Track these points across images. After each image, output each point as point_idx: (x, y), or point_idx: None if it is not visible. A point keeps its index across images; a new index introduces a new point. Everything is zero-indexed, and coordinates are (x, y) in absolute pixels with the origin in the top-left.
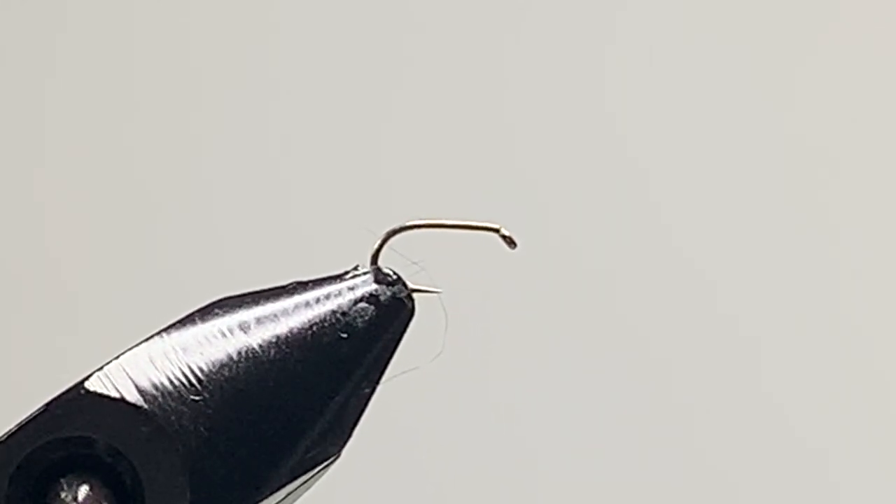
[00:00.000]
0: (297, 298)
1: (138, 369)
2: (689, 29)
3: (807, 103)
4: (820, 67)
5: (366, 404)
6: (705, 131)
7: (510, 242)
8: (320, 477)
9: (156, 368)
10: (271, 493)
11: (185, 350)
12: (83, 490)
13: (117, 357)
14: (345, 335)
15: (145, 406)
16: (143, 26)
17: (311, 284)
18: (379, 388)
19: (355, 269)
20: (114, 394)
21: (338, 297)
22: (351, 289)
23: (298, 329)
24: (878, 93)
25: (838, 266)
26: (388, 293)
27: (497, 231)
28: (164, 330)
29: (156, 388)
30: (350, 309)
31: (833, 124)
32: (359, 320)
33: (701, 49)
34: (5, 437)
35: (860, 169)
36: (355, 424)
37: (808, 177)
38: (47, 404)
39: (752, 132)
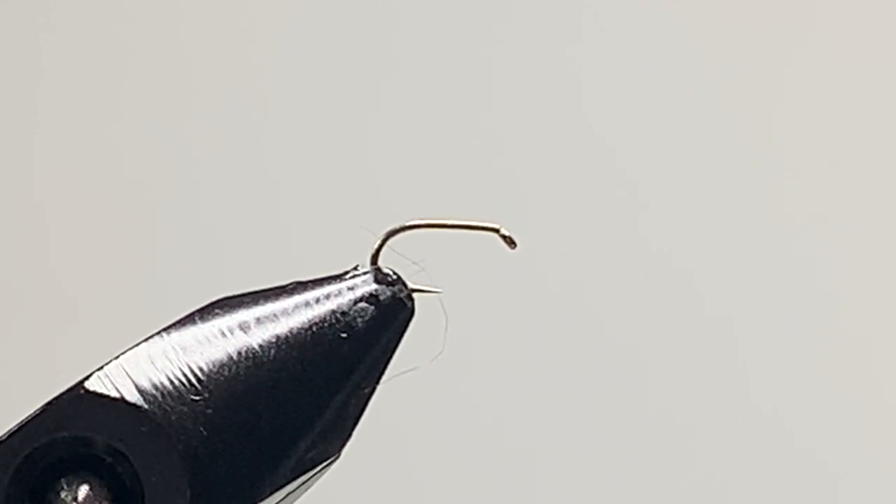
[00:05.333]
0: (297, 298)
1: (138, 369)
2: (684, 34)
3: (790, 106)
4: (801, 68)
5: (366, 404)
6: (697, 135)
7: (510, 242)
8: (320, 477)
9: (156, 368)
10: (271, 493)
11: (185, 350)
12: (83, 490)
13: (117, 357)
14: (345, 335)
15: (145, 406)
16: (141, 29)
17: (311, 284)
18: (379, 388)
19: (355, 269)
20: (114, 394)
21: (338, 297)
22: (351, 289)
23: (298, 329)
24: (860, 95)
25: (825, 268)
26: (388, 293)
27: (497, 231)
28: (164, 330)
29: (156, 387)
30: (350, 309)
31: (818, 124)
32: (359, 320)
33: (694, 50)
34: (5, 437)
35: (844, 170)
36: (355, 424)
37: (792, 178)
38: (47, 404)
39: (741, 134)
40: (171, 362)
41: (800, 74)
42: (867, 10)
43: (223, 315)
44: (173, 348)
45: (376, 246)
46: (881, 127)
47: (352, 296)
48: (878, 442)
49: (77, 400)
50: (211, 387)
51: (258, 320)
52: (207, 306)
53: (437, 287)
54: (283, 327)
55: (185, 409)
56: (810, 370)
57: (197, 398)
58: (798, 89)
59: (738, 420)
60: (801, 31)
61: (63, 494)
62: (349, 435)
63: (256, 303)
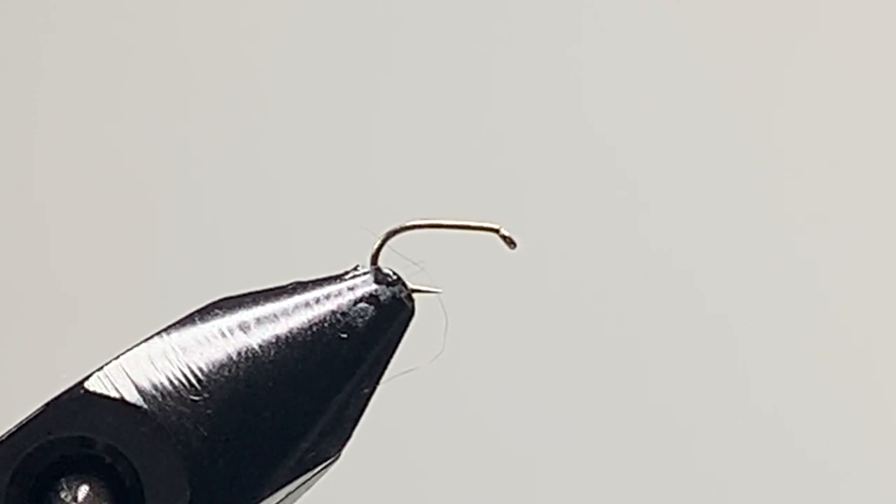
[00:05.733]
0: (297, 298)
1: (138, 369)
2: (684, 33)
3: (790, 106)
4: (801, 68)
5: (366, 404)
6: (697, 135)
7: (510, 242)
8: (320, 477)
9: (155, 368)
10: (271, 493)
11: (184, 350)
12: (83, 490)
13: (117, 357)
14: (345, 335)
15: (145, 406)
16: (141, 29)
17: (311, 285)
18: (379, 388)
19: (355, 269)
20: (113, 394)
21: (338, 298)
22: (351, 289)
23: (298, 329)
24: (860, 95)
25: (825, 268)
26: (388, 293)
27: (497, 231)
28: (164, 330)
29: (156, 388)
30: (350, 309)
31: (818, 124)
32: (359, 320)
33: (694, 50)
34: (5, 437)
35: (844, 170)
36: (355, 424)
37: (792, 178)
38: (47, 404)
39: (741, 134)
40: (170, 363)
41: (799, 74)
42: (867, 10)
43: (223, 315)
44: (173, 349)
45: (376, 246)
46: (881, 127)
47: (352, 296)
48: (878, 442)
49: (77, 400)
50: (211, 387)
51: (258, 320)
52: (207, 306)
53: (437, 287)
54: (283, 327)
55: (185, 409)
56: (810, 370)
57: (197, 398)
58: (798, 89)
59: (737, 420)
60: (801, 31)
61: (63, 494)
62: (349, 435)
63: (256, 303)
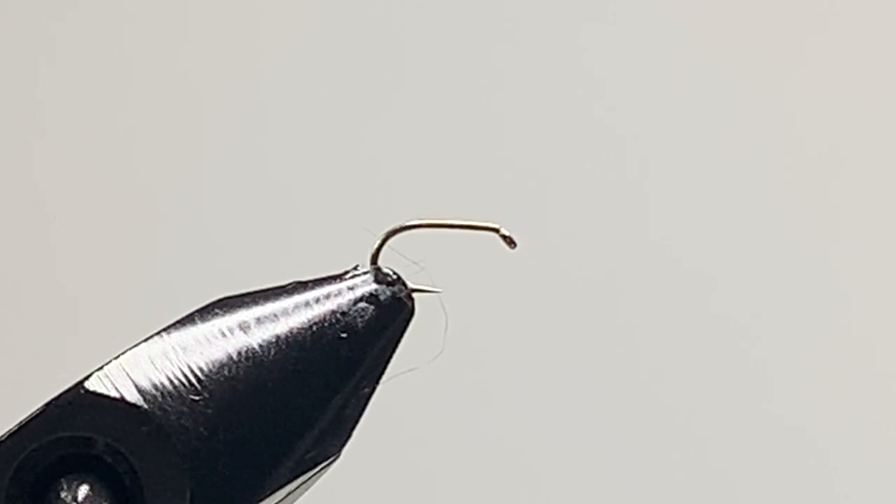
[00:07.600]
0: (297, 298)
1: (138, 369)
2: (690, 30)
3: (806, 106)
4: (816, 68)
5: (366, 404)
6: (707, 134)
7: (510, 242)
8: (320, 477)
9: (156, 368)
10: (271, 493)
11: (185, 350)
12: (83, 490)
13: (117, 357)
14: (345, 335)
15: (145, 406)
16: (142, 27)
17: (310, 284)
18: (379, 388)
19: (355, 268)
20: (114, 394)
21: (338, 297)
22: (351, 289)
23: (298, 329)
24: (875, 94)
25: (838, 269)
26: (388, 293)
27: (497, 231)
28: (164, 330)
29: (156, 388)
30: (350, 309)
31: (833, 123)
32: (359, 320)
33: (701, 48)
34: (5, 437)
35: (859, 171)
36: (355, 424)
37: (807, 177)
38: (47, 404)
39: (756, 133)
40: (171, 362)
41: (817, 70)
42: (873, 11)
43: (223, 315)
44: (173, 348)
45: (376, 246)
46: None
47: (352, 296)
48: (890, 445)
49: (77, 400)
50: (211, 387)
51: (258, 320)
52: (207, 306)
53: (437, 287)
54: (283, 327)
55: (185, 409)
56: (819, 371)
57: (197, 398)
58: (816, 85)
59: (738, 420)
60: (821, 24)
61: (63, 494)
62: (349, 435)
63: (256, 303)
